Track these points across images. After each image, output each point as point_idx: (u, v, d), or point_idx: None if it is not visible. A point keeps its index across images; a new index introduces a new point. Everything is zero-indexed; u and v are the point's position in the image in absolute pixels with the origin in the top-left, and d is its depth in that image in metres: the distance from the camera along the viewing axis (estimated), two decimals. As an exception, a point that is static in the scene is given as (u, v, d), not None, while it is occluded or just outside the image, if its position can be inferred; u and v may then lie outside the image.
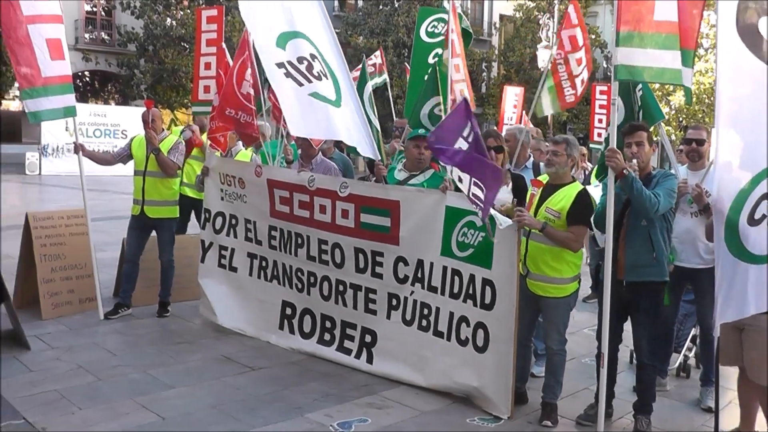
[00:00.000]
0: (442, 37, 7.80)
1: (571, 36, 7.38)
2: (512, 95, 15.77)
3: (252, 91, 7.92)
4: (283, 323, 7.71)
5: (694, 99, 31.13)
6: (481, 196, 5.60)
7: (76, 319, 8.33)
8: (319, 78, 7.09)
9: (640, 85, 6.90)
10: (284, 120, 7.97)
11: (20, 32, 7.81)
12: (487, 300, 6.08)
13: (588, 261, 10.09)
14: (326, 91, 7.08)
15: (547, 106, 7.39)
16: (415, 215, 6.63)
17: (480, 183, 5.60)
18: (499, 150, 6.49)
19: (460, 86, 7.80)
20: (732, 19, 5.14)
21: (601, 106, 12.84)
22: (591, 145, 12.70)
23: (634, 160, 5.86)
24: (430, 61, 7.84)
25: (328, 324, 7.37)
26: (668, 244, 6.06)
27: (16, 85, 7.50)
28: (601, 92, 13.17)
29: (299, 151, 8.11)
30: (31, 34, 7.86)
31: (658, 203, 5.61)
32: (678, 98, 32.15)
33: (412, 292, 6.71)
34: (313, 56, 7.14)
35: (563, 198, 5.96)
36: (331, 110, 7.08)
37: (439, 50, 7.81)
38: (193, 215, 9.79)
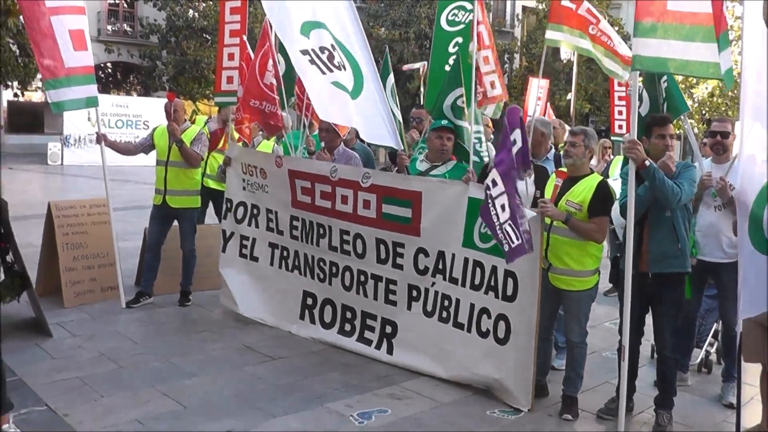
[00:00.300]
0: (462, 26, 7.74)
1: (588, 9, 7.35)
2: (536, 87, 15.64)
3: (275, 81, 7.92)
4: (304, 313, 7.72)
5: (717, 92, 30.90)
6: (514, 239, 5.51)
7: (98, 307, 8.39)
8: (339, 68, 7.11)
9: (665, 77, 6.85)
10: (306, 110, 8.01)
11: (43, 24, 7.87)
12: (509, 292, 6.07)
13: (608, 254, 10.04)
14: (345, 82, 7.10)
15: (621, 70, 7.33)
16: (436, 206, 6.61)
17: (518, 230, 5.54)
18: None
19: (490, 78, 7.75)
20: (759, 11, 5.09)
21: (620, 98, 12.66)
22: (612, 138, 12.55)
23: (672, 153, 5.85)
24: (451, 50, 7.77)
25: (348, 314, 7.37)
26: (689, 233, 6.04)
27: (39, 76, 7.56)
28: (620, 84, 13.00)
29: (322, 143, 8.11)
30: (54, 25, 7.91)
31: (681, 193, 5.60)
32: (701, 91, 31.93)
33: (433, 284, 6.70)
34: (333, 47, 7.16)
35: (584, 190, 5.93)
36: (348, 100, 7.09)
37: (460, 39, 7.74)
38: (211, 206, 9.82)
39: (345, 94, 7.06)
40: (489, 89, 7.80)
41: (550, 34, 7.31)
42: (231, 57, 8.55)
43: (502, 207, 5.54)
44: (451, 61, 7.64)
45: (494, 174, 5.60)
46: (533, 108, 14.78)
